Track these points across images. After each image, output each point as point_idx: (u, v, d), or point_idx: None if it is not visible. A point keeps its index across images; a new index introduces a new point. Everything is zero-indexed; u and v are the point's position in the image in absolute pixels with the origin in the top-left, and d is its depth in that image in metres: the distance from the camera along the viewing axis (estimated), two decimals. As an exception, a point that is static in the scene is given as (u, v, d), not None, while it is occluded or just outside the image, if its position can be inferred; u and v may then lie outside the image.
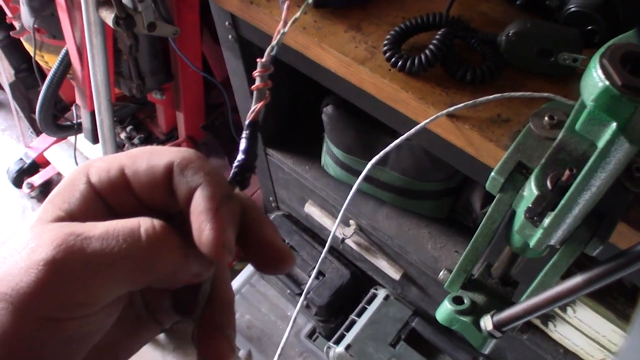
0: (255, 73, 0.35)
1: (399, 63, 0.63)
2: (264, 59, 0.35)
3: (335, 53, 0.67)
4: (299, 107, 1.14)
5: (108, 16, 0.97)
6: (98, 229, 0.26)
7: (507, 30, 0.64)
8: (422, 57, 0.62)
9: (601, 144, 0.39)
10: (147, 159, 0.28)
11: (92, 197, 0.28)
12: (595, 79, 0.39)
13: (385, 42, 0.65)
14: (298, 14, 0.38)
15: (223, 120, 1.52)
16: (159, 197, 0.29)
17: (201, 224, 0.27)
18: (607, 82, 0.39)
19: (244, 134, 0.33)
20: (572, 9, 0.64)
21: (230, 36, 0.92)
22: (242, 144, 0.33)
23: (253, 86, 0.33)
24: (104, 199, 0.29)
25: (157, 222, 0.27)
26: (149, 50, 1.24)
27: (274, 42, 0.36)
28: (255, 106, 0.33)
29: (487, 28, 0.69)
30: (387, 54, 0.64)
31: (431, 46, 0.62)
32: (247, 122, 0.33)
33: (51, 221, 0.27)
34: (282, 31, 0.36)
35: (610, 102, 0.38)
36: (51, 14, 1.25)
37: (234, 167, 0.32)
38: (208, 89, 1.47)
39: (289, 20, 0.37)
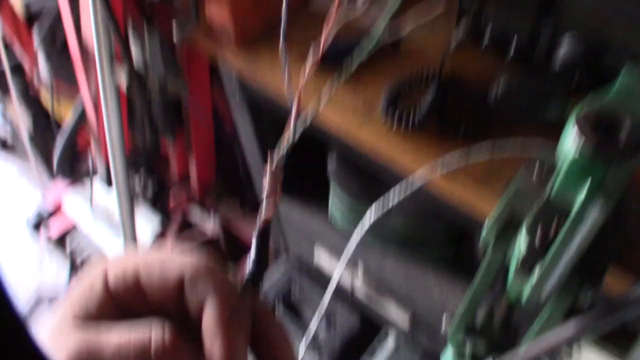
0: (265, 181, 0.36)
1: (395, 120, 0.67)
2: (273, 167, 0.36)
3: (337, 112, 0.71)
4: (305, 155, 1.18)
5: (122, 79, 1.02)
6: (112, 343, 0.28)
7: (497, 84, 0.67)
8: (418, 114, 0.66)
9: (578, 201, 0.42)
10: (159, 269, 0.31)
11: (109, 300, 0.31)
12: (570, 141, 0.42)
13: (383, 100, 0.69)
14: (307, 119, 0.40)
15: (234, 163, 1.56)
16: (172, 306, 0.31)
17: (211, 338, 0.29)
18: (582, 144, 0.42)
19: (254, 243, 0.34)
20: (560, 60, 0.68)
21: (237, 95, 0.97)
22: (252, 254, 0.34)
23: (263, 194, 0.34)
24: (120, 302, 0.31)
25: (168, 333, 0.29)
26: (161, 102, 1.29)
27: (283, 150, 0.37)
28: (265, 216, 0.34)
29: (479, 81, 0.72)
30: (384, 112, 0.68)
31: (425, 103, 0.66)
32: (255, 232, 0.35)
33: (70, 325, 0.30)
34: (289, 138, 0.37)
35: (584, 163, 0.41)
36: (68, 67, 1.32)
37: (245, 277, 0.33)
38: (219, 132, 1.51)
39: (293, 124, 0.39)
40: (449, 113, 0.68)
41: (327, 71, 0.74)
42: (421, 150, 0.66)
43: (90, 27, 1.03)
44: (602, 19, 0.64)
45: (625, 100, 0.47)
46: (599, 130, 0.44)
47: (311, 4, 0.89)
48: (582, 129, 0.43)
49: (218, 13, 0.80)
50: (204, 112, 1.31)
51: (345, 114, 0.71)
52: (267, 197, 0.35)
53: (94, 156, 1.45)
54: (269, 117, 1.01)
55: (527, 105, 0.67)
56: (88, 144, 1.46)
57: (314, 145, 1.11)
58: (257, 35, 0.83)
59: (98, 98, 1.21)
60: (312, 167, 1.20)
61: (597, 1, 0.63)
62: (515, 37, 0.71)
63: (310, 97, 0.72)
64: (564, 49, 0.67)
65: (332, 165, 1.00)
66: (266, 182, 0.36)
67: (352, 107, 0.72)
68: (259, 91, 0.88)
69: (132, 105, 1.27)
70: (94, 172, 1.46)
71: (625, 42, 0.64)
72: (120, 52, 1.04)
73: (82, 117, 1.34)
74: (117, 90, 1.13)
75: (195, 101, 1.24)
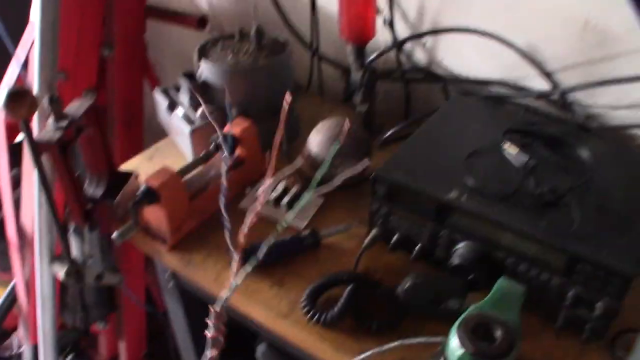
0: (210, 321, 0.41)
1: (315, 317, 0.74)
2: (218, 308, 0.43)
3: (261, 309, 0.78)
4: (235, 339, 1.22)
5: (60, 271, 1.06)
6: None
7: (404, 283, 0.76)
8: (334, 311, 0.73)
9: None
10: None
11: None
12: (453, 347, 0.51)
13: (303, 298, 0.77)
14: (239, 280, 0.47)
15: (165, 349, 1.56)
16: None
17: None
18: (463, 350, 0.50)
19: None
20: (455, 263, 0.78)
21: (170, 284, 1.03)
22: None
23: (208, 334, 0.39)
24: None
25: None
26: (95, 291, 1.32)
27: (227, 294, 0.44)
28: (209, 353, 0.39)
29: (390, 278, 0.82)
30: (305, 309, 0.75)
31: (341, 302, 0.74)
32: None
33: None
34: (232, 285, 0.44)
35: (466, 360, 0.49)
36: (2, 250, 1.35)
37: None
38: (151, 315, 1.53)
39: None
40: (362, 309, 0.76)
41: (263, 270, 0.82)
42: (339, 345, 0.73)
43: (30, 215, 1.09)
44: (491, 229, 0.76)
45: (498, 308, 0.56)
46: (478, 333, 0.53)
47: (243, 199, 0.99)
48: (464, 336, 0.52)
49: (155, 217, 0.88)
50: (137, 298, 1.34)
51: (269, 311, 0.78)
52: (213, 337, 0.40)
53: (20, 338, 1.42)
54: (200, 304, 1.06)
55: (431, 300, 0.76)
56: (14, 325, 1.44)
57: (245, 331, 1.16)
58: (191, 237, 0.91)
59: (32, 283, 1.23)
60: (242, 351, 1.23)
61: (484, 214, 0.76)
62: (419, 241, 0.82)
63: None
64: (460, 251, 0.79)
65: (260, 351, 1.05)
66: (211, 322, 0.40)
67: (276, 304, 0.79)
68: (191, 283, 0.94)
69: (65, 290, 1.29)
70: (19, 355, 1.43)
71: (510, 247, 0.75)
72: (59, 243, 1.10)
73: (12, 301, 1.34)
74: (54, 278, 1.17)
75: (130, 288, 1.28)
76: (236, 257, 0.69)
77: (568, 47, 1.02)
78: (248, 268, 0.69)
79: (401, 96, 1.24)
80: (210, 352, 0.39)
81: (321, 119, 1.02)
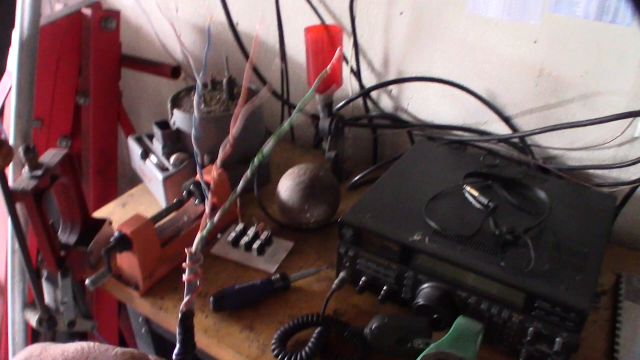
0: (185, 265, 0.42)
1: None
2: (193, 249, 0.43)
3: (232, 352, 0.80)
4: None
5: (32, 317, 1.06)
6: None
7: (371, 324, 0.79)
8: (304, 353, 0.75)
9: None
10: None
11: None
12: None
13: (273, 341, 0.78)
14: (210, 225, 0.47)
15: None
16: None
17: None
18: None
19: (178, 325, 0.39)
20: (420, 303, 0.81)
21: (143, 329, 1.03)
22: (178, 335, 0.39)
23: (184, 278, 0.39)
24: None
25: None
26: (68, 336, 1.31)
27: (203, 234, 0.44)
28: (187, 297, 0.39)
29: (358, 319, 0.84)
30: (275, 352, 0.77)
31: (310, 344, 0.76)
32: (180, 314, 0.40)
33: None
34: (207, 226, 0.44)
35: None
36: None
37: (174, 358, 0.38)
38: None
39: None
40: (331, 350, 0.78)
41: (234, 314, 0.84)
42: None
43: (2, 261, 1.10)
44: (453, 270, 0.79)
45: (457, 345, 0.59)
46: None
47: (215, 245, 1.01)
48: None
49: (128, 264, 0.90)
50: (111, 343, 1.34)
51: (240, 355, 0.80)
52: (189, 280, 0.41)
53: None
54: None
55: (398, 340, 0.78)
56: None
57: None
58: (163, 283, 0.93)
59: (4, 329, 1.23)
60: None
61: (445, 256, 0.79)
62: (385, 282, 0.85)
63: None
64: (424, 292, 0.81)
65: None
66: (187, 265, 0.41)
67: (247, 348, 0.80)
68: (164, 329, 0.95)
69: (37, 336, 1.29)
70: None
71: (472, 286, 0.78)
72: (32, 290, 1.10)
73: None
74: (26, 324, 1.16)
75: (103, 334, 1.28)
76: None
77: (525, 93, 1.08)
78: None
79: (369, 141, 1.28)
80: (187, 297, 0.39)
81: (292, 164, 1.05)
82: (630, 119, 0.97)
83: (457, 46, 1.11)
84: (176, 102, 1.15)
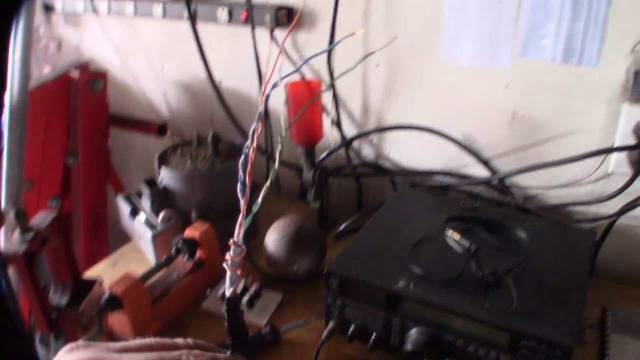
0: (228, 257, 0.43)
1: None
2: (235, 238, 0.44)
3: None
4: None
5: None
6: None
7: (361, 372, 0.80)
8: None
9: None
10: None
11: None
12: None
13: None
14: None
15: None
16: None
17: None
18: None
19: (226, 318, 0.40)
20: (409, 349, 0.82)
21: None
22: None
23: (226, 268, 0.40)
24: None
25: None
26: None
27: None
28: (230, 290, 0.41)
29: (349, 367, 0.85)
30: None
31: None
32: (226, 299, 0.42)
33: None
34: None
35: None
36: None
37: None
38: None
39: None
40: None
41: None
42: None
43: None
44: (438, 314, 0.81)
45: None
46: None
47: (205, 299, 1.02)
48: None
49: (119, 323, 0.91)
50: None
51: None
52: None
53: None
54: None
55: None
56: None
57: None
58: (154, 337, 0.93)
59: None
60: None
61: (430, 301, 0.80)
62: (373, 330, 0.86)
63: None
64: (412, 337, 0.83)
65: None
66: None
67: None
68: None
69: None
70: None
71: (458, 329, 0.80)
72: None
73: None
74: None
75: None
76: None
77: (501, 136, 1.11)
78: None
79: (353, 190, 1.31)
80: (231, 289, 0.41)
81: (279, 215, 1.07)
82: (604, 156, 1.01)
83: (432, 94, 1.15)
84: (163, 160, 1.18)
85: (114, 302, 0.88)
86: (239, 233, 0.51)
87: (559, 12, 0.98)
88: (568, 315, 0.77)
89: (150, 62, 1.53)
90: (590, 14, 0.97)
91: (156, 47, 1.51)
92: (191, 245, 1.00)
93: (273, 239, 1.01)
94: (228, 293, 0.47)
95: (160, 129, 1.52)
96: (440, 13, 1.08)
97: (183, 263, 1.03)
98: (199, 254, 1.01)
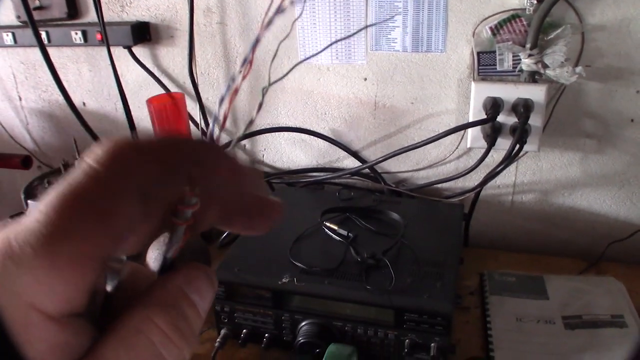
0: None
1: None
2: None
3: None
4: None
5: None
6: None
7: (257, 373, 0.80)
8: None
9: None
10: None
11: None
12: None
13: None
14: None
15: None
16: None
17: None
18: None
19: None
20: (301, 341, 0.83)
21: None
22: None
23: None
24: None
25: None
26: None
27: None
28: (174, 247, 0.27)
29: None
30: None
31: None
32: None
33: None
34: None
35: None
36: None
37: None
38: None
39: None
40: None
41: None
42: None
43: None
44: (325, 304, 0.82)
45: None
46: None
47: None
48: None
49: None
50: None
51: None
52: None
53: None
54: None
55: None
56: None
57: None
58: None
59: None
60: None
61: (315, 292, 0.82)
62: (266, 330, 0.87)
63: None
64: (303, 330, 0.84)
65: None
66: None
67: None
68: None
69: None
70: None
71: (345, 315, 0.82)
72: None
73: None
74: None
75: None
76: None
77: (366, 127, 1.16)
78: None
79: (233, 197, 1.31)
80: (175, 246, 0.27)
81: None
82: (462, 132, 1.08)
83: (297, 94, 1.17)
84: (30, 193, 1.12)
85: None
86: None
87: (403, 4, 1.04)
88: (444, 285, 0.82)
89: (5, 92, 1.44)
90: (432, 3, 1.03)
91: (11, 77, 1.42)
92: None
93: (154, 257, 0.98)
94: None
95: (24, 161, 1.43)
96: (292, 19, 1.10)
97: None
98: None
